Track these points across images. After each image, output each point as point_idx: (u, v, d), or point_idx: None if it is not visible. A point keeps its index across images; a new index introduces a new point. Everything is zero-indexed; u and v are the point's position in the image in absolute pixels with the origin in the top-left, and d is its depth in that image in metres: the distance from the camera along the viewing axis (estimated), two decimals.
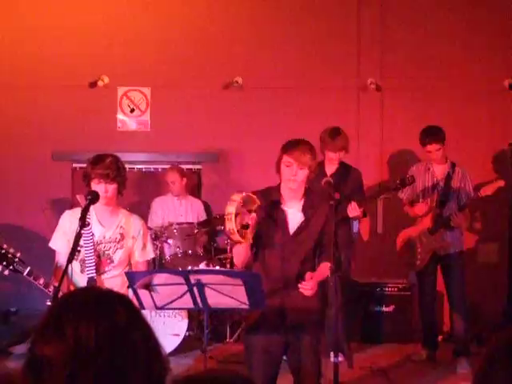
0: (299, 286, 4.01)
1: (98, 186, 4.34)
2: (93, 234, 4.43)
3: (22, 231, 7.62)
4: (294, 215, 4.16)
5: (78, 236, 4.09)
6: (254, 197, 3.98)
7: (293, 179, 4.11)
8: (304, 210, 4.17)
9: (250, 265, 4.21)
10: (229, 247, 7.09)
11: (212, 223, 7.23)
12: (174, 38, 7.99)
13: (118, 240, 4.51)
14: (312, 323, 4.14)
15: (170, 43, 7.99)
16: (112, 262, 4.50)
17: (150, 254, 4.74)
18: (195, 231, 6.89)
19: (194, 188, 8.13)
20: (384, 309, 7.16)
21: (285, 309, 4.10)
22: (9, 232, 7.78)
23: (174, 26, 8.02)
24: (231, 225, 3.84)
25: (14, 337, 6.70)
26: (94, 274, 4.39)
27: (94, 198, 4.26)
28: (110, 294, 1.81)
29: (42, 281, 4.21)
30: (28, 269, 4.21)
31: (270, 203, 4.17)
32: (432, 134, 6.34)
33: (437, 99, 7.91)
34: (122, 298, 1.80)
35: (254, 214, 3.90)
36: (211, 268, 6.51)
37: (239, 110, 8.02)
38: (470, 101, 7.93)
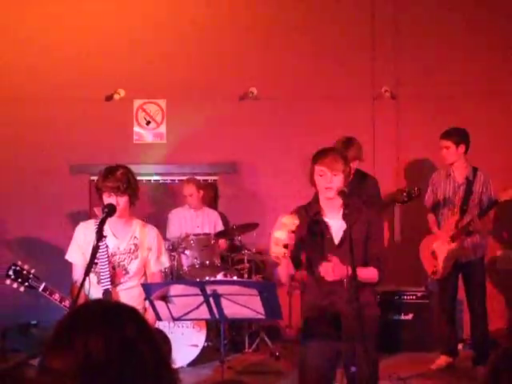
0: (320, 266, 3.98)
1: (109, 198, 4.37)
2: (107, 246, 4.46)
3: (40, 244, 7.69)
4: (336, 224, 4.12)
5: (96, 249, 4.12)
6: (294, 217, 3.95)
7: (329, 187, 4.07)
8: (345, 218, 4.11)
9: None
10: (246, 257, 7.10)
11: (229, 233, 7.25)
12: (189, 50, 8.05)
13: (132, 251, 4.53)
14: (368, 331, 4.01)
15: (185, 55, 8.05)
16: (127, 273, 4.51)
17: (165, 263, 4.76)
18: (212, 242, 6.91)
19: (211, 199, 8.16)
20: (403, 317, 7.13)
21: (339, 318, 4.03)
22: (27, 246, 7.89)
23: (189, 38, 8.07)
24: (278, 249, 3.84)
25: (34, 349, 6.75)
26: (110, 286, 4.41)
27: (110, 210, 4.29)
28: (119, 306, 1.83)
29: (57, 296, 4.23)
30: (43, 284, 4.24)
31: (312, 217, 4.17)
32: (447, 131, 6.36)
33: (453, 106, 7.87)
34: (131, 310, 1.81)
35: (292, 235, 3.87)
36: (227, 279, 6.51)
37: (254, 121, 8.05)
38: (487, 105, 7.89)
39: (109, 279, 4.37)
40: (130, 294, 4.46)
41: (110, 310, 1.78)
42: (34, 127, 8.02)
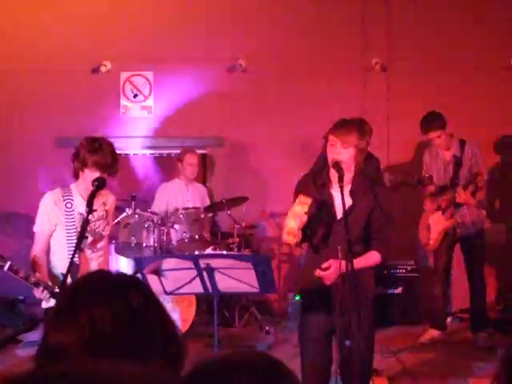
0: (317, 270, 3.96)
1: (92, 173, 4.27)
2: (80, 214, 4.38)
3: (25, 219, 7.59)
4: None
5: (86, 222, 4.06)
6: (306, 199, 3.88)
7: (336, 158, 3.96)
8: (352, 194, 4.04)
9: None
10: (235, 232, 7.06)
11: (219, 207, 7.19)
12: (177, 22, 7.93)
13: (104, 217, 4.52)
14: (364, 303, 4.03)
15: (173, 27, 7.92)
16: (102, 238, 4.52)
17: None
18: (202, 216, 6.86)
19: (199, 173, 8.07)
20: (392, 291, 7.13)
21: (334, 291, 3.98)
22: (13, 220, 7.81)
23: (176, 9, 7.95)
24: (290, 239, 3.80)
25: (22, 324, 6.70)
26: (76, 259, 4.24)
27: (101, 184, 4.23)
28: (123, 276, 1.78)
29: (22, 273, 4.11)
30: (8, 263, 4.10)
31: (318, 187, 4.10)
32: (429, 122, 6.28)
33: (444, 79, 7.81)
34: (135, 280, 1.77)
35: (305, 217, 3.82)
36: (221, 252, 6.47)
37: (243, 94, 7.96)
38: (477, 81, 7.83)
39: (72, 250, 4.14)
40: (99, 261, 4.50)
41: (113, 280, 1.72)
42: (19, 100, 7.89)
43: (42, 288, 4.08)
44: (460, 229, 6.40)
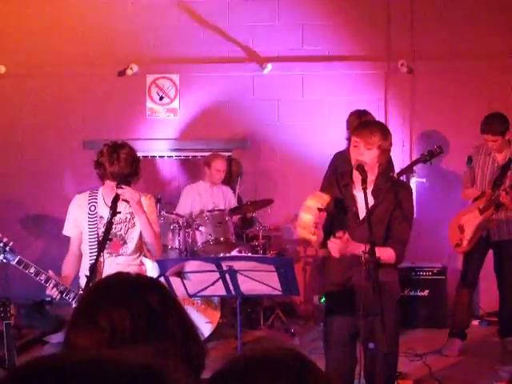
0: (327, 241, 3.90)
1: (111, 183, 4.30)
2: (101, 217, 4.40)
3: (53, 221, 7.66)
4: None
5: (110, 224, 4.09)
6: (321, 196, 3.88)
7: (359, 160, 3.94)
8: (375, 195, 4.02)
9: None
10: (261, 234, 7.06)
11: (244, 210, 7.20)
12: (202, 24, 7.94)
13: (128, 219, 4.46)
14: (388, 306, 3.96)
15: (198, 30, 7.93)
16: (125, 243, 4.45)
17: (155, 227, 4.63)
18: (227, 218, 6.86)
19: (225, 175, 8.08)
20: (419, 293, 7.08)
21: (356, 294, 3.97)
22: (40, 223, 7.89)
23: (202, 11, 7.95)
24: (305, 233, 3.78)
25: (49, 326, 6.76)
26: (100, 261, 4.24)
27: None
28: (140, 278, 1.78)
29: (32, 269, 4.17)
30: (17, 258, 4.17)
31: (342, 187, 4.09)
32: (487, 124, 5.96)
33: (471, 81, 7.72)
34: (153, 281, 1.77)
35: (323, 214, 3.81)
36: (243, 254, 6.46)
37: (269, 96, 7.95)
38: (505, 82, 7.72)
39: (96, 253, 4.21)
40: (128, 269, 4.40)
41: (130, 282, 1.73)
42: (48, 104, 7.97)
43: (51, 285, 4.13)
44: (494, 234, 6.12)
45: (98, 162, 4.36)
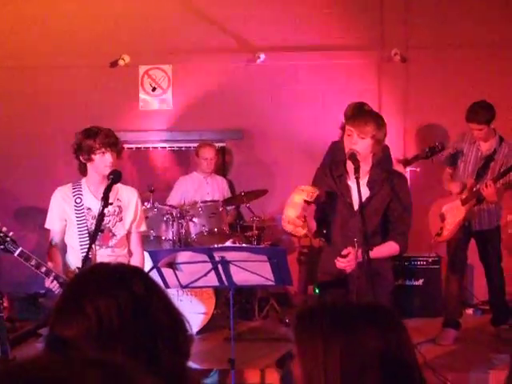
0: (335, 261, 3.92)
1: (103, 157, 4.29)
2: (88, 209, 4.39)
3: (45, 212, 7.63)
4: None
5: (101, 216, 4.07)
6: (311, 188, 3.86)
7: (352, 149, 3.93)
8: (370, 185, 4.02)
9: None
10: (255, 225, 7.04)
11: (238, 200, 7.18)
12: (194, 15, 7.90)
13: (116, 213, 4.46)
14: (382, 296, 3.96)
15: (190, 20, 7.90)
16: (114, 235, 4.45)
17: (144, 226, 4.67)
18: (220, 209, 6.84)
19: (219, 166, 8.06)
20: (413, 283, 7.07)
21: (352, 284, 3.97)
22: (32, 214, 7.85)
23: (195, 1, 7.92)
24: (290, 227, 3.78)
25: (43, 319, 6.73)
26: (91, 254, 4.26)
27: (116, 177, 4.24)
28: (125, 266, 1.78)
29: (33, 262, 4.14)
30: (19, 249, 4.15)
31: (336, 178, 4.07)
32: (472, 112, 5.90)
33: (465, 70, 7.70)
34: (137, 269, 1.76)
35: (308, 206, 3.79)
36: (235, 245, 6.44)
37: (262, 86, 7.92)
38: (499, 71, 7.70)
39: (87, 245, 4.20)
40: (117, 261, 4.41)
41: (115, 271, 1.72)
42: (37, 95, 7.93)
43: (52, 278, 4.11)
44: (475, 224, 6.12)
45: (79, 147, 4.36)
